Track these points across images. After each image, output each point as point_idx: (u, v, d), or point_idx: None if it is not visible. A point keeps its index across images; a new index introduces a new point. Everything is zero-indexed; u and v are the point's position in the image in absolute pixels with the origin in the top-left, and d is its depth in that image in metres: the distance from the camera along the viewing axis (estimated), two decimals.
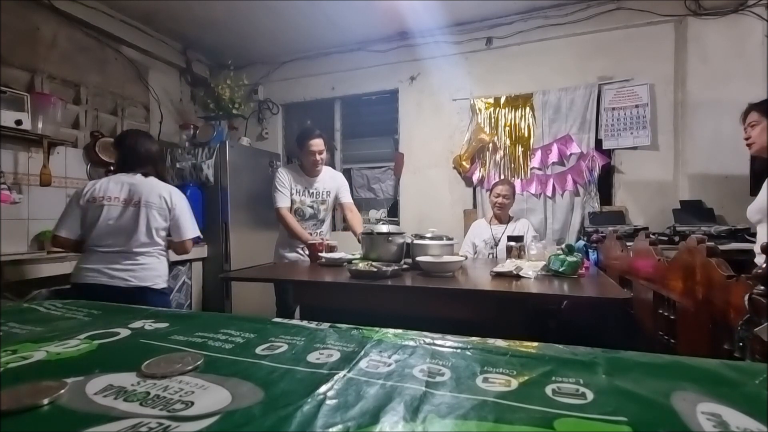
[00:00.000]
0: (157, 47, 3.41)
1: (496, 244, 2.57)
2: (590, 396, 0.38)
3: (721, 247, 1.25)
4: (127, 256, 1.71)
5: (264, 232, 3.40)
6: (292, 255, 2.41)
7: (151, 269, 1.77)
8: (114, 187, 1.74)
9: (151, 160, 1.86)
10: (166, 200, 1.80)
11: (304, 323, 0.65)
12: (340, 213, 2.71)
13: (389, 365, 0.47)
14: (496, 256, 2.52)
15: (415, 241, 1.81)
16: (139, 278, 1.72)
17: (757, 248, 1.58)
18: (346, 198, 2.50)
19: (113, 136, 3.05)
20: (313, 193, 2.40)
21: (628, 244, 2.02)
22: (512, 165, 3.20)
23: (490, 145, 3.23)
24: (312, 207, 2.40)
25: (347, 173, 3.96)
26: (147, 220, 1.74)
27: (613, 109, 2.94)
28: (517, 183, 3.18)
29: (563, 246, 1.63)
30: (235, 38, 3.47)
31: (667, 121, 2.86)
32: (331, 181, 2.45)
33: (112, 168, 1.77)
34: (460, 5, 2.99)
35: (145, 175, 1.82)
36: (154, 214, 1.76)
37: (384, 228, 1.96)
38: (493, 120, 3.24)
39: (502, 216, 2.68)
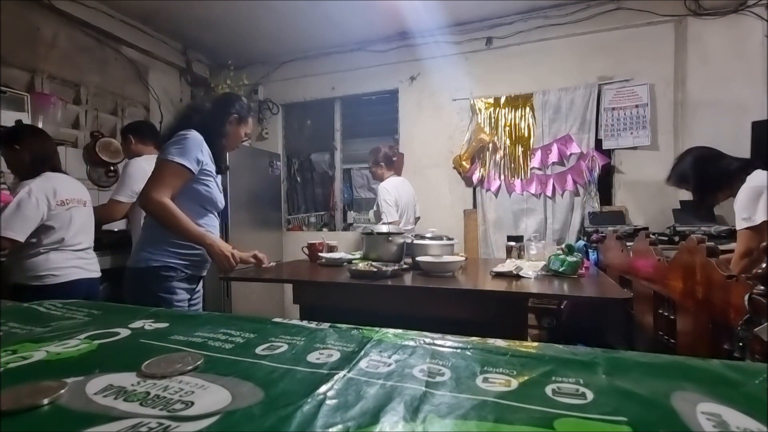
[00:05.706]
0: (157, 47, 3.41)
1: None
2: (590, 396, 0.38)
3: (721, 247, 1.25)
4: (90, 252, 1.94)
5: (264, 232, 3.40)
6: None
7: (96, 260, 2.01)
8: (67, 188, 1.85)
9: (58, 155, 2.01)
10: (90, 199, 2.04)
11: (304, 323, 0.64)
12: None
13: (389, 365, 0.47)
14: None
15: (415, 241, 1.81)
16: (97, 269, 1.98)
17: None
18: None
19: (113, 136, 3.06)
20: None
21: (628, 244, 2.02)
22: (512, 165, 3.20)
23: (490, 145, 3.23)
24: None
25: (347, 173, 3.96)
26: (93, 218, 1.99)
27: (613, 109, 2.94)
28: (517, 183, 3.18)
29: (563, 246, 1.63)
30: (235, 38, 3.47)
31: (667, 121, 2.85)
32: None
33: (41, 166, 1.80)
34: (460, 5, 2.98)
35: (64, 172, 1.98)
36: (92, 211, 2.00)
37: (384, 228, 1.96)
38: (493, 120, 3.23)
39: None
